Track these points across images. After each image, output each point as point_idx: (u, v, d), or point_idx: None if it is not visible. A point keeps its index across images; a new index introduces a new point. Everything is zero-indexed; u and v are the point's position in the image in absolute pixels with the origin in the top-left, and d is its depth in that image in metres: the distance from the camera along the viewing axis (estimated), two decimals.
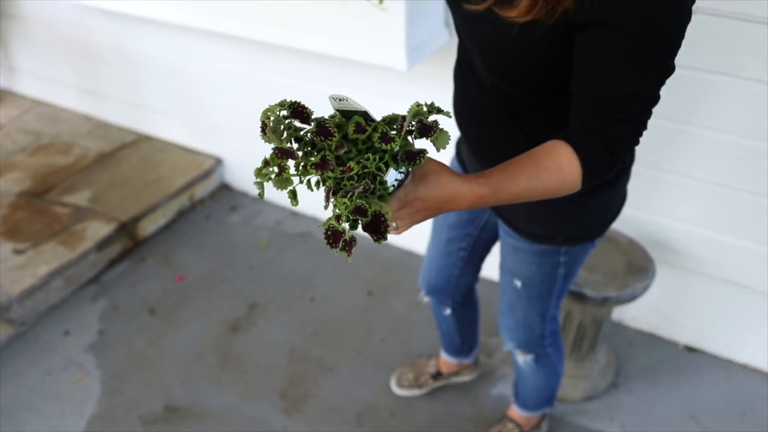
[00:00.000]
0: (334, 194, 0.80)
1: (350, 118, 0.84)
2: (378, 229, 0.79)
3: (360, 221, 0.79)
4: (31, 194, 2.63)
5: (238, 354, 2.08)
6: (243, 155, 2.75)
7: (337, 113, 0.85)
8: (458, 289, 1.65)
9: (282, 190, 0.83)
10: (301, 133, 0.84)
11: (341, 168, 0.80)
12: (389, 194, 0.83)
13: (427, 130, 0.82)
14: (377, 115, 0.86)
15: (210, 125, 2.78)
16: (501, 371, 2.02)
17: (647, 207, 1.91)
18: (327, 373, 2.03)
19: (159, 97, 2.87)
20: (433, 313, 1.81)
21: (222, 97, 2.65)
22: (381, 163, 0.80)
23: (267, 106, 0.83)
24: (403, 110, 0.87)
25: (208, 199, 2.77)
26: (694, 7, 0.90)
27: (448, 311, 1.72)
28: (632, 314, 2.13)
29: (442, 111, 0.83)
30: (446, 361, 1.95)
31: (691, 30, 0.92)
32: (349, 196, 0.78)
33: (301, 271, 2.37)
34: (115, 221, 2.45)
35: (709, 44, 1.59)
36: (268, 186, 0.84)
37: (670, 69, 0.92)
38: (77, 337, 2.15)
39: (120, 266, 2.42)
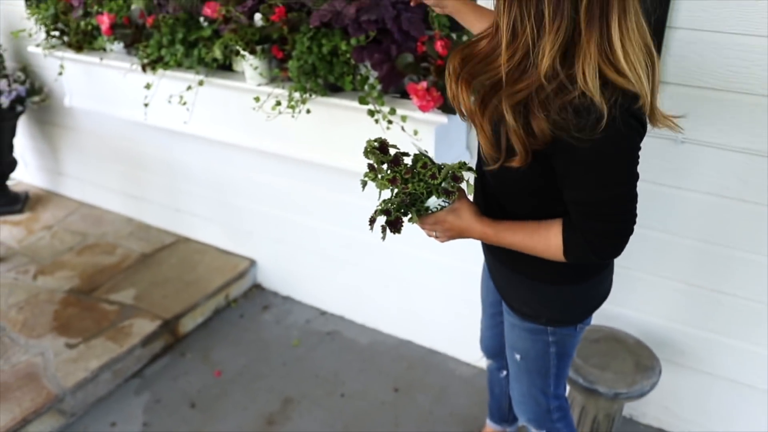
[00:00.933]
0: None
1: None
2: (395, 225, 1.23)
3: (387, 218, 1.23)
4: (80, 291, 2.84)
5: None
6: (275, 258, 2.97)
7: (422, 155, 1.29)
8: None
9: (381, 189, 1.26)
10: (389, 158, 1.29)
11: (403, 186, 1.24)
12: (429, 213, 1.29)
13: (457, 178, 1.26)
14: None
15: (245, 230, 3.02)
16: None
17: (651, 310, 2.11)
18: None
19: (198, 203, 3.13)
20: (489, 378, 2.01)
21: (257, 204, 2.91)
22: (425, 190, 1.24)
23: (368, 139, 1.31)
24: None
25: (241, 298, 2.98)
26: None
27: (504, 373, 1.92)
28: (642, 410, 2.28)
29: (472, 169, 1.28)
30: (491, 430, 2.11)
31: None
32: (383, 202, 1.24)
33: (331, 368, 2.54)
34: (159, 318, 2.64)
35: (702, 172, 1.86)
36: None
37: (632, 179, 1.20)
38: (123, 428, 2.30)
39: (161, 361, 2.59)
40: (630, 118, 1.13)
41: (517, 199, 1.35)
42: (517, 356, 1.59)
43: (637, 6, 1.11)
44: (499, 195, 1.38)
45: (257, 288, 3.04)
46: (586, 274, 1.43)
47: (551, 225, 1.27)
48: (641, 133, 1.18)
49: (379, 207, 1.24)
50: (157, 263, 3.05)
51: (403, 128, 1.89)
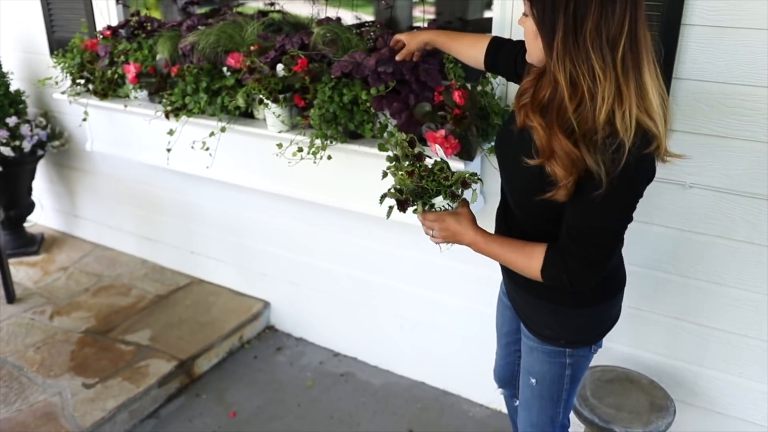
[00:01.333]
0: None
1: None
2: (402, 205, 1.40)
3: (398, 196, 1.40)
4: (96, 332, 2.87)
5: None
6: (288, 300, 3.02)
7: (443, 161, 1.45)
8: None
9: (398, 182, 1.42)
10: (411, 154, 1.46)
11: (419, 180, 1.41)
12: (433, 210, 1.45)
13: (465, 184, 1.42)
14: None
15: (259, 272, 3.08)
16: None
17: (665, 352, 2.14)
18: None
19: (213, 245, 3.19)
20: (507, 406, 2.05)
21: (271, 247, 2.97)
22: (435, 188, 1.41)
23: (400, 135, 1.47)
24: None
25: (254, 339, 3.01)
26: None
27: (516, 402, 1.95)
28: None
29: (481, 179, 1.47)
30: None
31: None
32: (399, 183, 1.43)
33: (346, 410, 2.56)
34: (174, 359, 2.67)
35: (710, 215, 1.92)
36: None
37: (627, 219, 1.31)
38: None
39: (177, 401, 2.61)
40: (643, 161, 1.23)
41: (540, 226, 1.44)
42: (533, 380, 1.64)
43: (653, 54, 1.24)
44: (522, 223, 1.49)
45: (270, 329, 3.08)
46: (602, 296, 1.54)
47: (537, 245, 1.40)
48: (650, 176, 1.28)
49: (395, 187, 1.42)
50: (172, 304, 3.09)
51: None
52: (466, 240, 1.47)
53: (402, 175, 1.41)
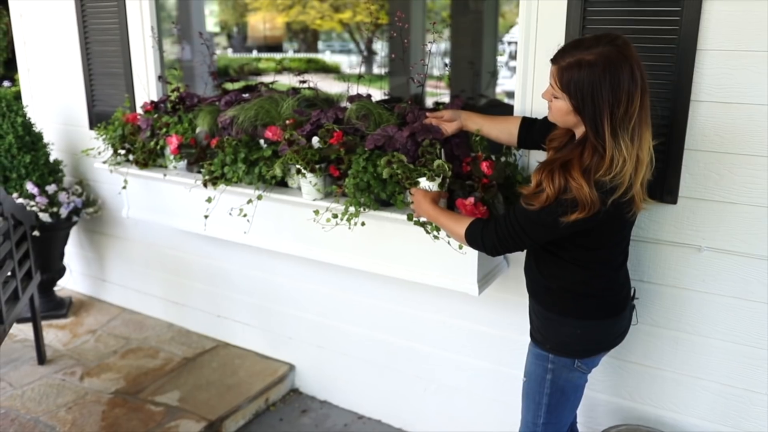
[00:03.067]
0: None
1: None
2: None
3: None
4: (126, 393, 2.94)
5: None
6: (314, 363, 3.08)
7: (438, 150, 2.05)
8: None
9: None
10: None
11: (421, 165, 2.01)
12: (418, 186, 1.99)
13: (440, 170, 1.97)
14: None
15: (284, 335, 3.16)
16: None
17: (681, 410, 2.20)
18: None
19: (239, 309, 3.29)
20: None
21: (297, 310, 3.06)
22: (426, 172, 1.98)
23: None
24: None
25: (279, 402, 3.06)
26: None
27: None
28: None
29: (451, 168, 1.98)
30: None
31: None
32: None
33: None
34: (204, 420, 2.73)
35: (726, 277, 2.02)
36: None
37: (524, 230, 1.67)
38: None
39: None
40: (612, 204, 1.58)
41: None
42: (524, 378, 1.92)
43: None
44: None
45: (295, 392, 3.13)
46: (586, 313, 1.79)
47: (467, 217, 1.84)
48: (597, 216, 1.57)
49: (416, 171, 2.00)
50: (199, 367, 3.16)
51: (449, 242, 2.07)
52: (422, 208, 1.94)
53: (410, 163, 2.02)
